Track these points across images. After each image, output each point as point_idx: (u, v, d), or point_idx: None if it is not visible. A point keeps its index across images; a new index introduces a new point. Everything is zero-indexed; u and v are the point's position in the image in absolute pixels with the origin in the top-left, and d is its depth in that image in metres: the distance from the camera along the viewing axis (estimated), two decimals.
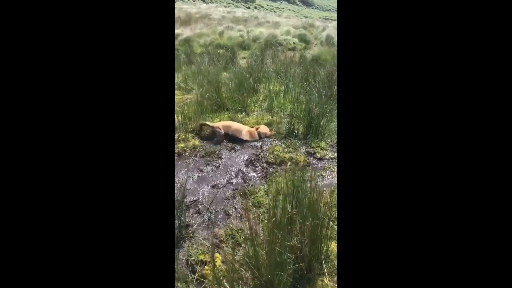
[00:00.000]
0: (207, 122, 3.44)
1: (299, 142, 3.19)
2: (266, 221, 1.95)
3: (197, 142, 3.26)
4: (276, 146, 3.15)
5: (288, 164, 2.75)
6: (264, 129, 3.36)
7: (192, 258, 1.77)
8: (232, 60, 6.26)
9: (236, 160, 2.90)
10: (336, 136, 3.31)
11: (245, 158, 2.92)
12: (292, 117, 3.48)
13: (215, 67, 5.06)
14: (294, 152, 2.99)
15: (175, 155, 3.00)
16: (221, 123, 3.42)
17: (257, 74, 4.79)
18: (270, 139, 3.28)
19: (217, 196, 2.31)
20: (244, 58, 7.26)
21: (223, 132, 3.30)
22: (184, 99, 4.36)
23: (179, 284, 1.59)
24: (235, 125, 3.40)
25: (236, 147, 3.17)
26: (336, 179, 2.60)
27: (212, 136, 3.33)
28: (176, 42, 9.17)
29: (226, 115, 3.86)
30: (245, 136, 3.29)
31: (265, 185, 2.47)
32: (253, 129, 3.37)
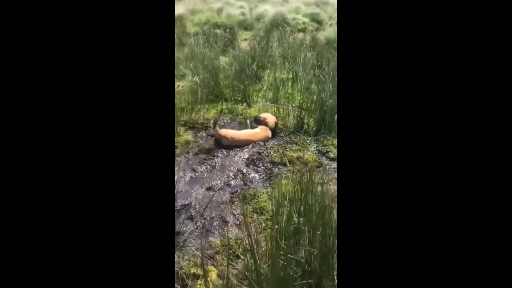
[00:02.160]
0: (215, 123, 3.06)
1: (310, 139, 3.26)
2: (269, 229, 1.96)
3: (189, 137, 3.23)
4: (282, 143, 3.16)
5: (296, 165, 2.77)
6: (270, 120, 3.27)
7: (183, 271, 1.78)
8: (231, 42, 6.27)
9: (235, 159, 2.91)
10: None
11: (246, 156, 2.95)
12: (302, 110, 3.52)
13: (211, 50, 5.03)
14: (303, 150, 3.01)
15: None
16: (233, 132, 3.10)
17: (261, 59, 4.83)
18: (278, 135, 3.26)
19: (212, 200, 2.34)
20: (246, 40, 7.21)
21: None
22: (175, 86, 4.34)
23: None
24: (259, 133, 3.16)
25: None
26: None
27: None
28: None
29: (224, 106, 3.83)
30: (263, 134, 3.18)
31: (269, 189, 2.49)
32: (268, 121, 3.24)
